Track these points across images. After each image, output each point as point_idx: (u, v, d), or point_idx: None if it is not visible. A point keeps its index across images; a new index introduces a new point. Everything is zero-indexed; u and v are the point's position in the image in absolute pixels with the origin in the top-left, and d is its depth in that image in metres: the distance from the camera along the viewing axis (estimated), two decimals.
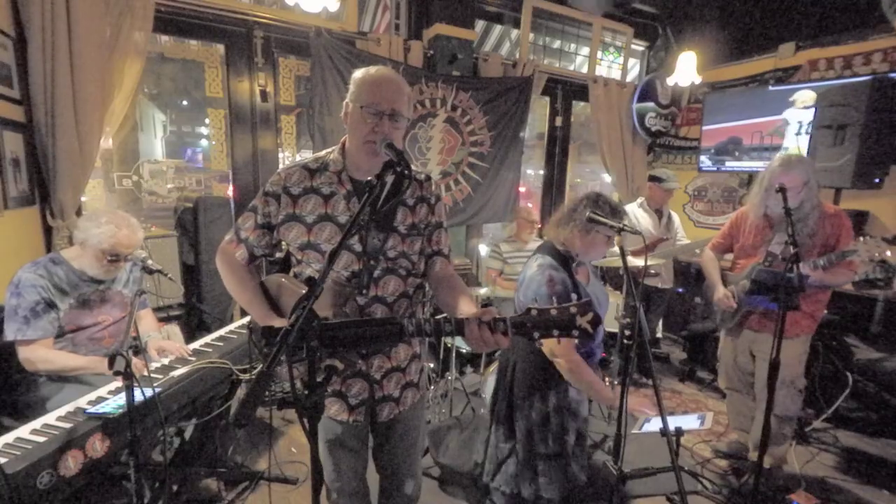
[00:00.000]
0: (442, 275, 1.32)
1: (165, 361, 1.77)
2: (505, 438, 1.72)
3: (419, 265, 1.31)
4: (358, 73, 1.18)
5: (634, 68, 5.02)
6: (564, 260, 1.59)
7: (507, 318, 0.97)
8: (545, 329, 0.95)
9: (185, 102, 3.76)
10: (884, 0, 3.04)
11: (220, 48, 3.10)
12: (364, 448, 1.40)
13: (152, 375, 1.56)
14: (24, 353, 1.65)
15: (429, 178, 1.32)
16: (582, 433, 1.70)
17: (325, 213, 1.21)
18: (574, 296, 1.52)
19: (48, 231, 2.46)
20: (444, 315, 1.05)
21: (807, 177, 2.00)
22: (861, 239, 1.91)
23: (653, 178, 3.36)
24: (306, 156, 1.36)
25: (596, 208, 1.52)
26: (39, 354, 1.66)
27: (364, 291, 1.20)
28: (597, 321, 0.95)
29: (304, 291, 0.83)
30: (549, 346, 1.53)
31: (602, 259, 3.19)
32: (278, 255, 1.32)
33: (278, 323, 1.16)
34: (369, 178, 0.97)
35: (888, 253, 1.85)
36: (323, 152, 1.28)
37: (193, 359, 1.79)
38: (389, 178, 0.99)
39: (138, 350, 1.48)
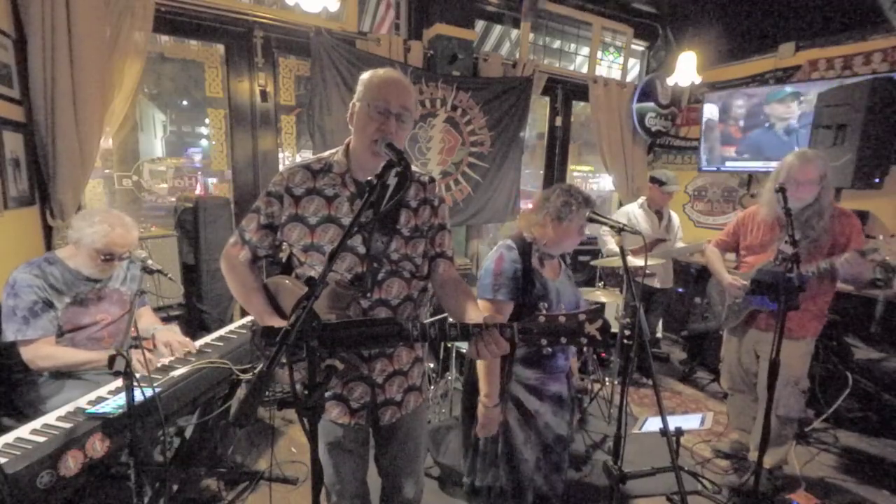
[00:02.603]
0: (446, 277, 1.31)
1: (166, 361, 1.77)
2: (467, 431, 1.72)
3: (423, 267, 1.30)
4: (365, 75, 1.19)
5: (634, 68, 5.02)
6: (524, 246, 1.58)
7: (513, 325, 0.96)
8: (553, 336, 0.93)
9: (185, 102, 3.76)
10: (884, 0, 3.04)
11: (220, 48, 3.09)
12: (365, 451, 1.40)
13: (152, 375, 1.56)
14: (27, 354, 1.65)
15: (433, 179, 1.32)
16: (542, 453, 1.62)
17: (328, 214, 1.20)
18: (517, 279, 1.52)
19: (48, 231, 2.46)
20: (451, 320, 1.04)
21: (824, 171, 2.00)
22: (881, 237, 1.90)
23: (654, 180, 3.35)
24: (307, 156, 1.35)
25: (569, 197, 1.52)
26: (44, 352, 1.66)
27: (368, 294, 1.20)
28: (606, 328, 0.93)
29: (304, 292, 0.83)
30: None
31: (601, 258, 3.22)
32: (282, 254, 1.32)
33: (278, 323, 1.16)
34: (369, 178, 0.96)
35: None
36: (326, 153, 1.27)
37: (193, 359, 1.79)
38: (393, 180, 0.99)
39: (138, 347, 1.48)
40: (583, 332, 0.92)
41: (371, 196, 0.93)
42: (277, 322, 1.17)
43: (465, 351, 3.25)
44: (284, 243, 1.26)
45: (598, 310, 0.93)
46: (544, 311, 0.96)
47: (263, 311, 1.21)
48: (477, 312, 1.14)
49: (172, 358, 1.80)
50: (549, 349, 1.52)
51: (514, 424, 1.59)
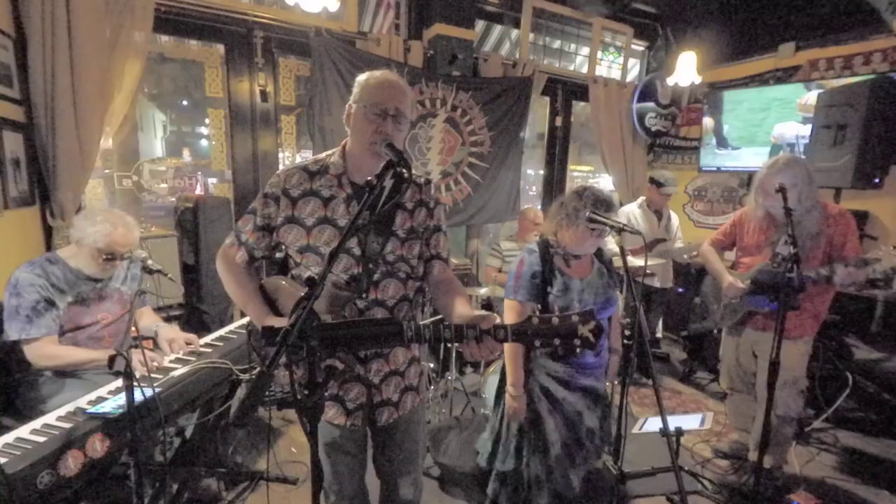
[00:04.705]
0: (440, 279, 1.31)
1: (172, 357, 1.78)
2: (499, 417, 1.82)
3: (418, 269, 1.30)
4: (362, 77, 1.19)
5: (634, 68, 5.02)
6: (545, 249, 1.65)
7: (507, 326, 0.96)
8: (546, 337, 0.93)
9: (185, 102, 3.77)
10: (880, 2, 3.03)
11: (220, 48, 3.10)
12: (362, 452, 1.39)
13: (152, 375, 1.56)
14: (31, 353, 1.65)
15: (428, 181, 1.32)
16: (572, 440, 1.71)
17: (324, 216, 1.21)
18: (535, 281, 1.62)
19: (48, 231, 2.46)
20: (444, 321, 1.04)
21: (795, 179, 1.94)
22: (881, 248, 1.88)
23: (652, 181, 3.36)
24: (307, 156, 1.36)
25: (580, 201, 1.56)
26: (47, 351, 1.66)
27: (364, 295, 1.20)
28: (599, 329, 0.93)
29: (302, 292, 0.83)
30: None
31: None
32: (278, 255, 1.32)
33: (278, 323, 1.15)
34: (368, 179, 0.96)
35: None
36: (323, 154, 1.28)
37: (193, 359, 1.79)
38: (389, 181, 0.99)
39: (139, 346, 1.49)
40: (576, 334, 0.92)
41: (370, 197, 0.93)
42: (277, 322, 1.17)
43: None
44: (281, 244, 1.26)
45: (591, 312, 0.93)
46: (537, 313, 0.97)
47: (261, 312, 1.21)
48: (463, 308, 1.13)
49: (179, 354, 1.81)
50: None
51: (545, 413, 1.68)
